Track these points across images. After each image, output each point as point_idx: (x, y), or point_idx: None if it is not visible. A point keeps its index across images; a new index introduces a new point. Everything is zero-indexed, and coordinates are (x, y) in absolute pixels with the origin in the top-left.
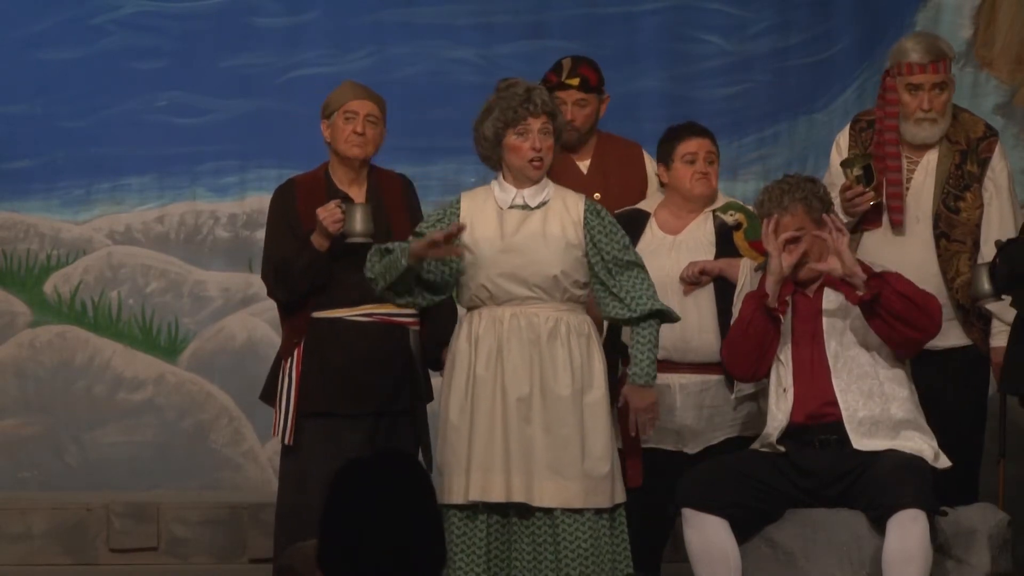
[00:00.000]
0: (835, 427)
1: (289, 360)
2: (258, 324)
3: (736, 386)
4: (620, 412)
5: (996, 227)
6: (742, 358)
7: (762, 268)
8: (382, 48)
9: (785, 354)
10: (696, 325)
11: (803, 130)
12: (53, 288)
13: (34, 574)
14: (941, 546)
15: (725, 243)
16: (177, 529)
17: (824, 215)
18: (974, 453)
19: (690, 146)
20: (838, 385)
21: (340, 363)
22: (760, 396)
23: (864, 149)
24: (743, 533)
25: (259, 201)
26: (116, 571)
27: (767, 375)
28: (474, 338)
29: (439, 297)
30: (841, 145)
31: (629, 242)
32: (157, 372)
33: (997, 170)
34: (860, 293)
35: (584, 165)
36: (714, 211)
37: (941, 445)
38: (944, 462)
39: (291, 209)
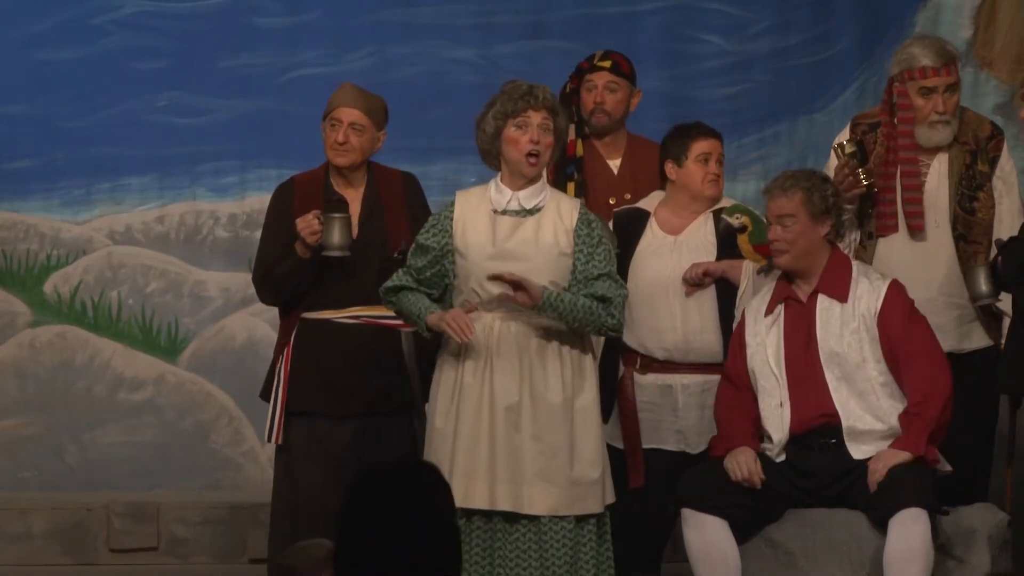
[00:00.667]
0: (834, 431)
1: (280, 359)
2: (258, 324)
3: None
4: (621, 412)
5: (1008, 225)
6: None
7: (764, 270)
8: (382, 48)
9: (778, 364)
10: (698, 326)
11: (803, 130)
12: (53, 288)
13: (34, 574)
14: (942, 546)
15: (726, 244)
16: (177, 529)
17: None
18: (987, 455)
19: (704, 146)
20: (837, 399)
21: (326, 364)
22: None
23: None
24: (743, 533)
25: (259, 201)
26: (116, 571)
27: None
28: (463, 343)
29: (441, 305)
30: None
31: (608, 254)
32: (157, 372)
33: (1007, 169)
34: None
35: (615, 164)
36: (719, 213)
37: (959, 446)
38: (945, 467)
39: (288, 208)
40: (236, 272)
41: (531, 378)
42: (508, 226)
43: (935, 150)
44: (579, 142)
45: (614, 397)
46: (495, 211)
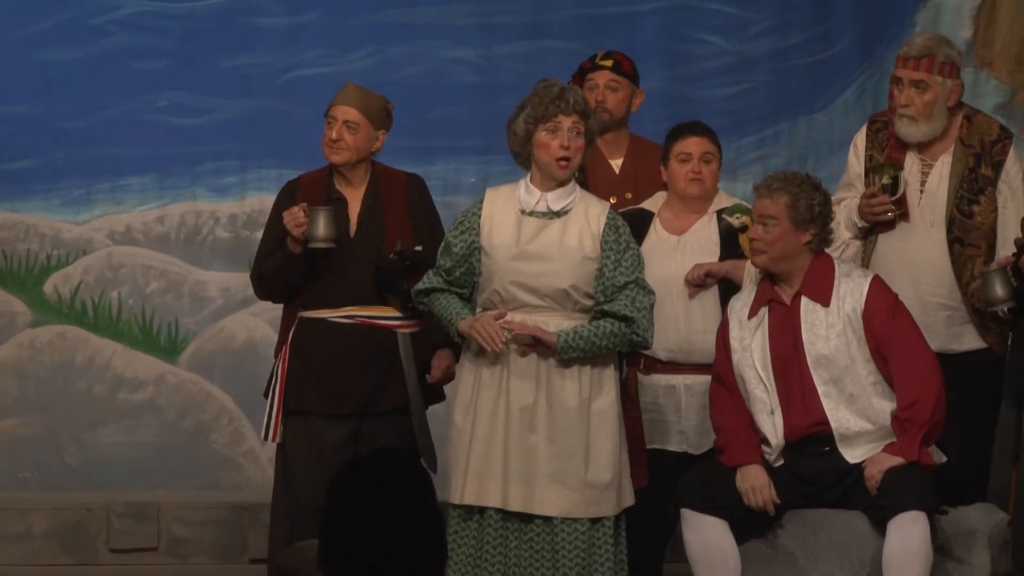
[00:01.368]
0: (827, 439)
1: (279, 357)
2: (258, 324)
3: None
4: (625, 413)
5: (1013, 231)
6: None
7: (762, 271)
8: (382, 48)
9: (765, 370)
10: (701, 327)
11: (803, 130)
12: (53, 288)
13: (34, 574)
14: (941, 546)
15: (729, 244)
16: (177, 529)
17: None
18: (986, 455)
19: (686, 145)
20: (827, 404)
21: (320, 363)
22: None
23: (880, 149)
24: (742, 534)
25: (259, 201)
26: (116, 571)
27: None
28: (492, 351)
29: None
30: (858, 145)
31: (636, 258)
32: (157, 372)
33: (1012, 173)
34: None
35: (616, 164)
36: (720, 213)
37: (953, 447)
38: (940, 458)
39: (288, 206)
40: (236, 272)
41: (548, 380)
42: (534, 227)
43: (939, 151)
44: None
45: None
46: (522, 211)
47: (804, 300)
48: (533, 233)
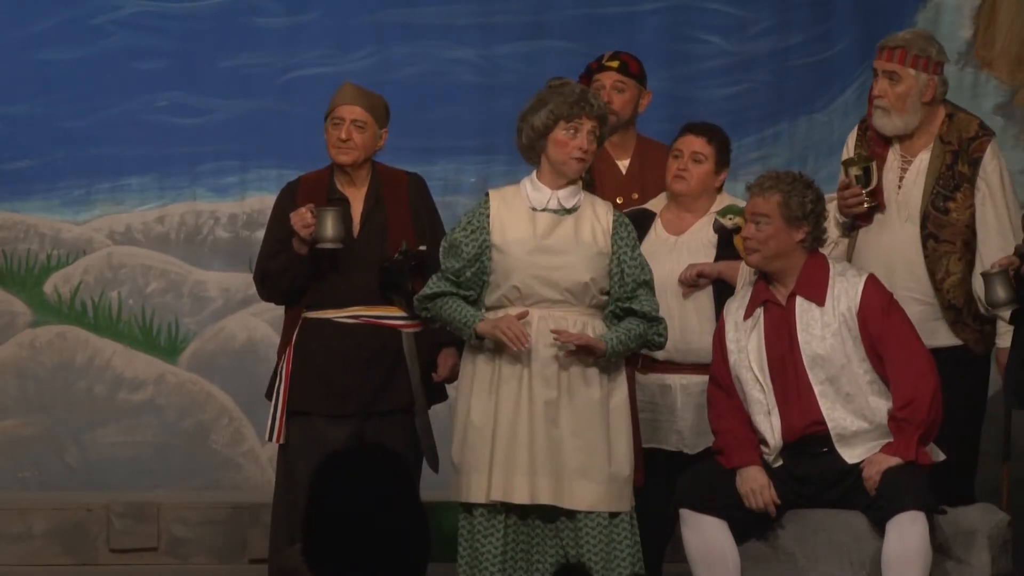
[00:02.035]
0: (825, 439)
1: (282, 358)
2: (258, 324)
3: None
4: None
5: (994, 229)
6: None
7: (757, 272)
8: (382, 48)
9: (762, 371)
10: (696, 327)
11: (803, 130)
12: (53, 288)
13: (34, 574)
14: (941, 546)
15: (725, 245)
16: (177, 529)
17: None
18: (969, 455)
19: (681, 142)
20: (824, 404)
21: (324, 364)
22: None
23: (868, 147)
24: (742, 534)
25: (259, 201)
26: (116, 571)
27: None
28: (518, 351)
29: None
30: (849, 145)
31: (643, 257)
32: (157, 372)
33: (989, 170)
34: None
35: (623, 165)
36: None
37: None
38: (938, 456)
39: (289, 207)
40: (236, 272)
41: (569, 374)
42: (548, 223)
43: (919, 147)
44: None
45: None
46: (533, 208)
47: (799, 300)
48: (549, 228)
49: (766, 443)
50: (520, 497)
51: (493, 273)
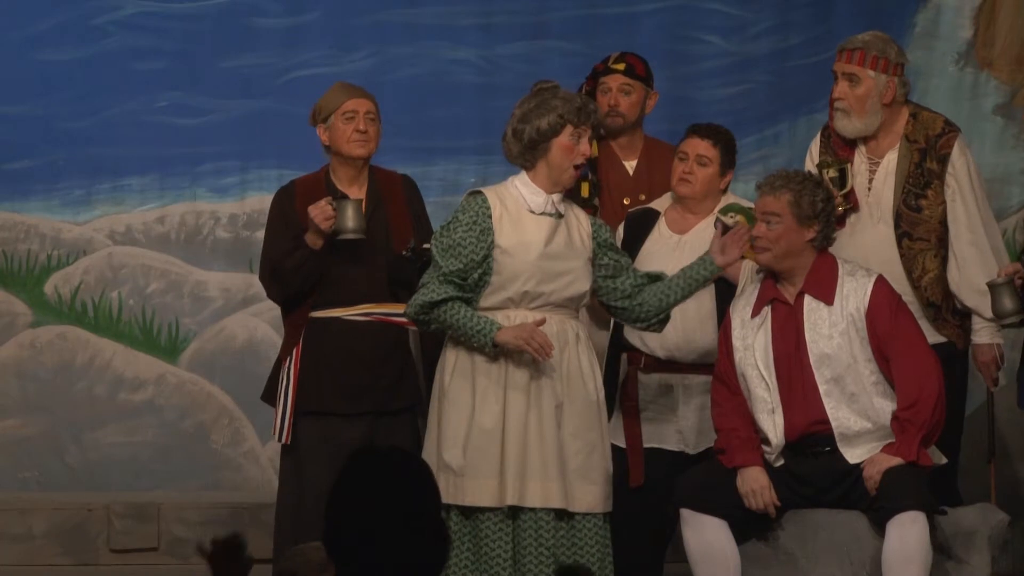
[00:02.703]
0: (827, 439)
1: (288, 359)
2: (259, 324)
3: None
4: (624, 411)
5: (964, 225)
6: None
7: (764, 270)
8: (382, 49)
9: (767, 368)
10: (698, 326)
11: (803, 130)
12: (54, 288)
13: (34, 574)
14: (941, 546)
15: None
16: (177, 529)
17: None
18: (951, 452)
19: (687, 144)
20: (828, 404)
21: (337, 362)
22: None
23: (833, 153)
24: (742, 534)
25: (259, 201)
26: (116, 571)
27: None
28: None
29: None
30: (812, 152)
31: None
32: (158, 372)
33: (958, 166)
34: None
35: (630, 165)
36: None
37: None
38: (939, 458)
39: (290, 209)
40: (236, 272)
41: (570, 376)
42: (548, 227)
43: (885, 148)
44: (594, 143)
45: (616, 395)
46: (531, 211)
47: (807, 299)
48: (550, 233)
49: (768, 442)
50: (533, 501)
51: (497, 275)
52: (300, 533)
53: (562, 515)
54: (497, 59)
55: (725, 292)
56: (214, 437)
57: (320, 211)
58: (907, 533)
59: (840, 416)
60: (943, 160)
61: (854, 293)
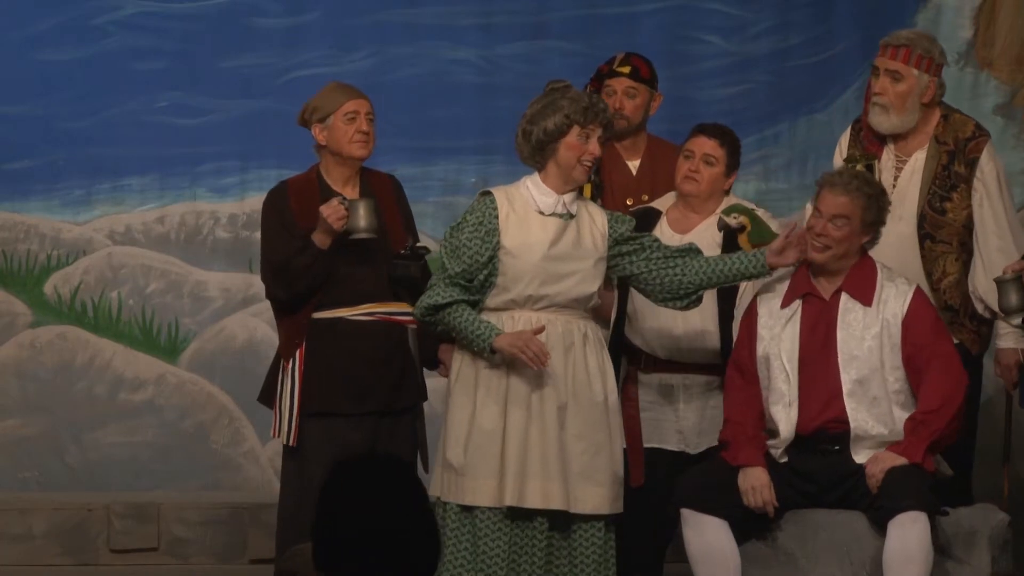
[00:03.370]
0: (839, 438)
1: (291, 361)
2: (259, 324)
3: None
4: (624, 411)
5: (992, 230)
6: None
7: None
8: (382, 49)
9: (791, 362)
10: (699, 327)
11: (803, 130)
12: (53, 288)
13: (34, 574)
14: (941, 547)
15: (730, 245)
16: (177, 529)
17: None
18: (965, 455)
19: (692, 143)
20: (849, 404)
21: (342, 363)
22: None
23: (862, 148)
24: (743, 534)
25: (259, 202)
26: (116, 571)
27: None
28: (538, 370)
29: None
30: (842, 145)
31: None
32: (157, 373)
33: (986, 171)
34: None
35: (634, 165)
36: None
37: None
38: (945, 470)
39: (285, 210)
40: (236, 272)
41: (575, 377)
42: (557, 228)
43: (914, 147)
44: None
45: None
46: (540, 212)
47: (844, 297)
48: (558, 234)
49: (777, 434)
50: (533, 502)
51: (502, 276)
52: (304, 534)
53: (561, 520)
54: (497, 59)
55: (726, 294)
56: (214, 437)
57: (333, 211)
58: (908, 533)
59: (859, 418)
60: (972, 164)
61: (893, 299)
